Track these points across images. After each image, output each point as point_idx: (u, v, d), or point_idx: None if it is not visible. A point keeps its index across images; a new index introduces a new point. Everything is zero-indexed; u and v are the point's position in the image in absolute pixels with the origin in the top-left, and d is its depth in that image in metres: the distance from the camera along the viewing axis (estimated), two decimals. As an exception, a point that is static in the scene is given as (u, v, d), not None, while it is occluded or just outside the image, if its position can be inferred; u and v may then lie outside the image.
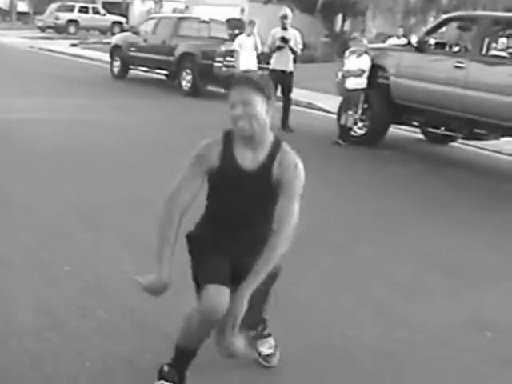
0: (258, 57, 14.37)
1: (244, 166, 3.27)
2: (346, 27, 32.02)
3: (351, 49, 11.95)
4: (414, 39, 11.36)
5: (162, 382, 3.40)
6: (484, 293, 5.43)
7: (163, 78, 18.94)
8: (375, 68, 11.57)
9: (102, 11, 45.17)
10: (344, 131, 11.68)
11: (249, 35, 14.21)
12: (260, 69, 14.59)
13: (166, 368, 3.42)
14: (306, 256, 5.50)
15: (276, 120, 12.73)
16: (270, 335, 3.89)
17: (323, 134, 12.51)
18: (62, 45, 32.54)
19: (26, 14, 52.60)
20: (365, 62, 11.43)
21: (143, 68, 19.52)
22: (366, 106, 11.64)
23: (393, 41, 18.01)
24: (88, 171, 8.27)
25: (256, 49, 14.24)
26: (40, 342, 3.90)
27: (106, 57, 21.73)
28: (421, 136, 13.07)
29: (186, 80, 17.08)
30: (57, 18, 42.31)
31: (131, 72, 20.06)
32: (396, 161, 10.86)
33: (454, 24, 12.76)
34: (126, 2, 47.82)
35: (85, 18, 43.11)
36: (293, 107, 13.43)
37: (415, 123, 12.10)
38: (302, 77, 16.28)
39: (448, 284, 5.52)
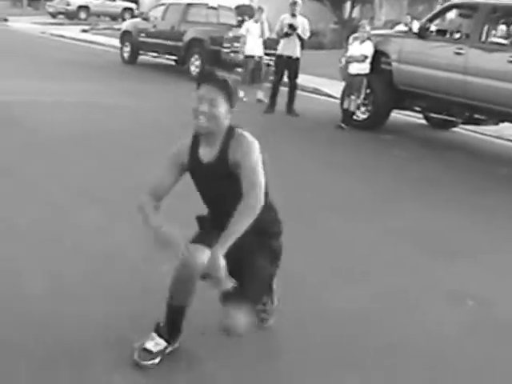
0: (264, 43, 14.67)
1: (204, 159, 3.62)
2: (355, 14, 32.17)
3: (354, 35, 12.22)
4: (415, 26, 11.60)
5: (154, 334, 3.73)
6: (474, 268, 5.74)
7: (172, 63, 19.26)
8: (378, 54, 11.84)
9: (113, -3, 45.40)
10: (347, 115, 11.99)
11: (256, 21, 14.50)
12: (266, 54, 14.93)
13: (161, 324, 3.77)
14: (302, 231, 5.83)
15: (281, 105, 13.06)
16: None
17: (327, 119, 12.80)
18: (72, 30, 32.83)
19: (36, -1, 52.86)
20: (367, 48, 11.71)
21: (153, 53, 19.86)
22: (368, 91, 11.92)
23: (400, 28, 18.23)
24: (98, 154, 8.62)
25: (262, 35, 14.53)
26: (48, 305, 4.27)
27: (117, 42, 22.02)
28: (423, 121, 13.35)
29: (195, 65, 17.39)
30: (68, 4, 42.50)
31: (141, 57, 20.39)
32: (397, 144, 11.15)
33: (456, 11, 13.04)
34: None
35: (95, 4, 43.27)
36: (299, 92, 13.74)
37: (417, 108, 12.38)
38: (309, 63, 16.59)
39: (438, 260, 5.84)
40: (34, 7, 51.40)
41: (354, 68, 11.82)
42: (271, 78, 14.11)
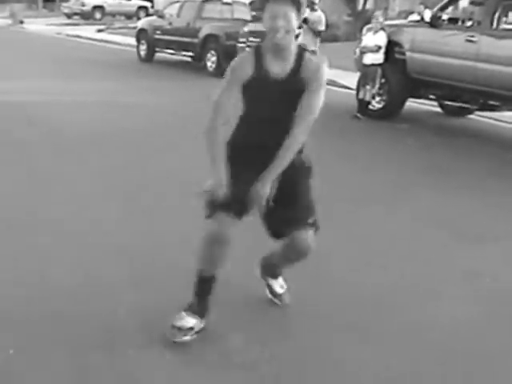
0: None
1: (275, 74, 3.76)
2: (369, 6, 32.24)
3: (368, 26, 12.39)
4: (427, 15, 11.75)
5: (184, 313, 3.96)
6: (486, 249, 5.93)
7: (189, 59, 19.51)
8: (391, 44, 12.01)
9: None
10: (362, 105, 12.17)
11: None
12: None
13: (190, 303, 4.00)
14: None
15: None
16: (279, 275, 4.47)
17: (343, 109, 12.97)
18: (88, 30, 33.17)
19: (52, 1, 53.16)
20: (381, 38, 11.88)
21: (169, 50, 20.11)
22: (383, 80, 12.08)
23: (414, 18, 18.33)
24: (116, 151, 8.89)
25: None
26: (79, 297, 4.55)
27: (133, 41, 22.29)
28: (438, 109, 13.48)
29: (211, 61, 17.63)
30: (83, 5, 42.85)
31: (157, 55, 20.65)
32: (412, 133, 11.29)
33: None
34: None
35: (110, 4, 43.58)
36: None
37: (432, 96, 12.53)
38: (324, 55, 16.72)
39: (454, 241, 6.04)
40: (48, 9, 51.84)
41: (369, 58, 12.00)
42: None
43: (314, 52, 12.96)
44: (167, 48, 20.06)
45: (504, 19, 11.27)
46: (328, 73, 3.85)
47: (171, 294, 4.42)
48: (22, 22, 37.88)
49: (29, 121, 10.36)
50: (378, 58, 11.93)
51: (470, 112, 12.88)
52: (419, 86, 12.07)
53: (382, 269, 5.25)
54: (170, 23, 19.61)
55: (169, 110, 12.13)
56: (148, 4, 44.37)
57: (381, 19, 12.14)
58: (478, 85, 10.77)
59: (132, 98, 13.17)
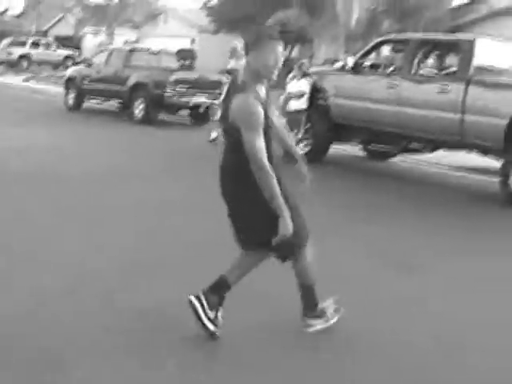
0: None
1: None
2: (294, 54, 32.89)
3: (292, 74, 12.73)
4: (350, 62, 12.12)
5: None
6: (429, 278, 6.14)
7: (116, 108, 19.55)
8: (315, 90, 12.35)
9: (54, 46, 45.61)
10: (288, 150, 12.40)
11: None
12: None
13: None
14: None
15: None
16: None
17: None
18: (15, 79, 32.95)
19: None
20: (304, 85, 12.24)
21: (97, 99, 20.15)
22: (308, 125, 12.37)
23: (339, 65, 18.78)
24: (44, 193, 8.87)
25: None
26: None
27: (60, 90, 22.21)
28: (362, 153, 13.83)
29: (139, 109, 17.68)
30: (9, 53, 42.65)
31: (85, 104, 20.63)
32: (337, 176, 11.60)
33: (389, 46, 13.69)
34: (78, 35, 48.31)
35: (37, 53, 43.49)
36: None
37: (356, 140, 12.88)
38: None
39: (383, 269, 6.23)
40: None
41: (293, 105, 12.31)
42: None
43: None
44: (96, 96, 20.08)
45: (422, 65, 11.72)
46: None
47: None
48: None
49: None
50: (302, 104, 12.26)
51: (393, 155, 13.25)
52: (343, 130, 12.38)
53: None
54: (99, 71, 19.66)
55: (97, 155, 12.14)
56: (74, 53, 44.36)
57: (304, 67, 12.51)
58: (399, 128, 11.15)
59: (55, 144, 13.14)
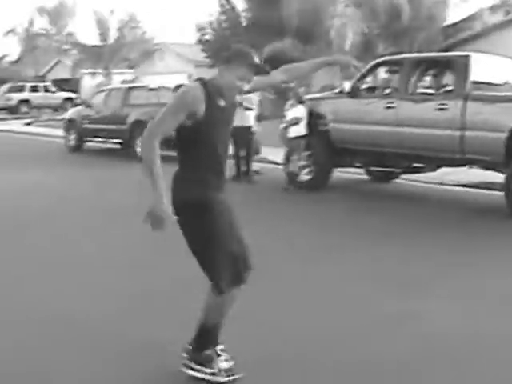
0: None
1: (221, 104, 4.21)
2: (292, 83, 32.99)
3: (290, 101, 12.79)
4: (347, 86, 12.17)
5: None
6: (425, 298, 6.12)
7: (117, 147, 19.59)
8: (314, 116, 12.40)
9: (53, 89, 45.89)
10: (291, 177, 12.48)
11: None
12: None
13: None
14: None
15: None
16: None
17: (274, 184, 13.23)
18: (16, 124, 33.09)
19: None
20: (299, 111, 12.35)
21: (98, 139, 20.24)
22: (309, 152, 12.39)
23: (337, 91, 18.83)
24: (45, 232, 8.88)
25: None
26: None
27: (61, 132, 22.29)
28: (365, 176, 13.83)
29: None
30: (8, 99, 42.91)
31: (86, 144, 20.71)
32: (342, 201, 11.60)
33: (385, 68, 13.77)
34: (76, 78, 48.60)
35: (36, 97, 43.74)
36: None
37: (358, 164, 12.89)
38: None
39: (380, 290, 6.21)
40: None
41: (292, 132, 12.37)
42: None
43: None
44: (96, 136, 20.17)
45: (419, 84, 11.77)
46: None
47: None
48: None
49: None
50: (300, 130, 12.32)
51: (396, 176, 13.24)
52: (344, 155, 12.38)
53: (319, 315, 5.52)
54: (98, 112, 19.77)
55: (98, 197, 12.20)
56: (73, 95, 44.60)
57: (299, 94, 12.63)
58: (400, 148, 11.16)
59: (57, 187, 13.28)
